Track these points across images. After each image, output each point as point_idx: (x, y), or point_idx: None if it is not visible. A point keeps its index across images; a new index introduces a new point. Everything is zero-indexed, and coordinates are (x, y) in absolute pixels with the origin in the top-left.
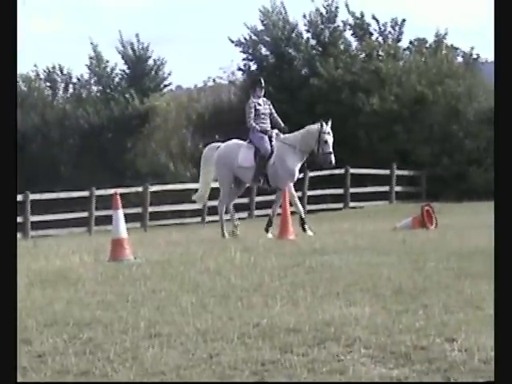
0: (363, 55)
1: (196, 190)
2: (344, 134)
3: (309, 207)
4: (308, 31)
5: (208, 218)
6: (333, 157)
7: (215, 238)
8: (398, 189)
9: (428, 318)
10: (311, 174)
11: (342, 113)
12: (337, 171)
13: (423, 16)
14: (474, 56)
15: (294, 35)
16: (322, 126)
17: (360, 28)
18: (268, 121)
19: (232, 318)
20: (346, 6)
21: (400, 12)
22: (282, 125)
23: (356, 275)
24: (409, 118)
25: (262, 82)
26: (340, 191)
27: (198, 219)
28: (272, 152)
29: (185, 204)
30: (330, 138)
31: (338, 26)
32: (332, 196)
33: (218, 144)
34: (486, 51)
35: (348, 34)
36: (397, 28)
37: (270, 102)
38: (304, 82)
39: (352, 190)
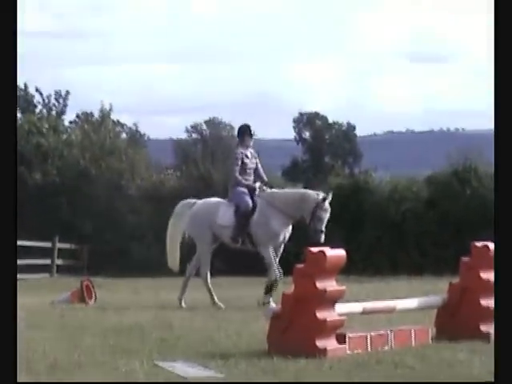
0: (26, 128)
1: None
2: None
3: None
4: None
5: None
6: (323, 236)
7: None
8: (59, 262)
9: None
10: None
11: None
12: None
13: (92, 89)
14: (141, 133)
15: None
16: (322, 200)
17: (24, 100)
18: (252, 177)
19: None
20: None
21: (65, 84)
22: (266, 180)
23: None
24: (72, 192)
25: (252, 130)
26: None
27: None
28: (254, 208)
29: None
30: (326, 216)
31: None
32: None
33: (194, 200)
34: (148, 128)
35: None
36: (61, 100)
37: (257, 155)
38: None
39: None
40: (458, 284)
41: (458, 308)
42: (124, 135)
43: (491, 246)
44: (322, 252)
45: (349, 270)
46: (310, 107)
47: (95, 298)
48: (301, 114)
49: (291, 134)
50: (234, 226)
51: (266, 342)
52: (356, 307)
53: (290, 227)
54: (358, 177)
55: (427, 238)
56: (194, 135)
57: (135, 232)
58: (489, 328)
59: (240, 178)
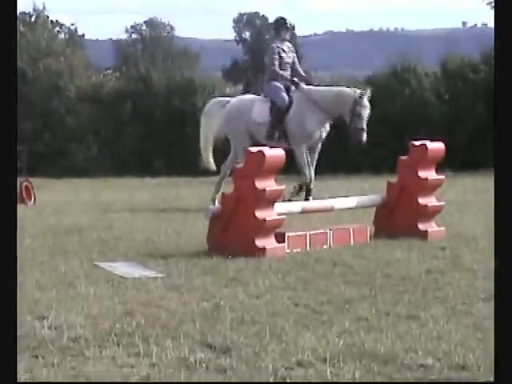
0: None
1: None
2: None
3: None
4: None
5: None
6: (365, 134)
7: None
8: None
9: (21, 297)
10: None
11: None
12: None
13: None
14: (79, 33)
15: None
16: (360, 96)
17: None
18: (289, 71)
19: None
20: None
21: None
22: (304, 75)
23: None
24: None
25: (288, 22)
26: None
27: None
28: (291, 104)
29: None
30: (366, 113)
31: None
32: None
33: (227, 99)
34: (87, 28)
35: None
36: None
37: (294, 49)
38: None
39: None
40: (396, 183)
41: (396, 206)
42: (62, 36)
43: (429, 144)
44: (261, 152)
45: (289, 169)
46: (249, 7)
47: (34, 199)
48: (240, 15)
49: (231, 35)
50: (269, 122)
51: (206, 242)
52: (295, 207)
53: (328, 125)
54: None
55: (366, 138)
56: (134, 36)
57: (75, 133)
58: (426, 226)
59: (278, 71)
